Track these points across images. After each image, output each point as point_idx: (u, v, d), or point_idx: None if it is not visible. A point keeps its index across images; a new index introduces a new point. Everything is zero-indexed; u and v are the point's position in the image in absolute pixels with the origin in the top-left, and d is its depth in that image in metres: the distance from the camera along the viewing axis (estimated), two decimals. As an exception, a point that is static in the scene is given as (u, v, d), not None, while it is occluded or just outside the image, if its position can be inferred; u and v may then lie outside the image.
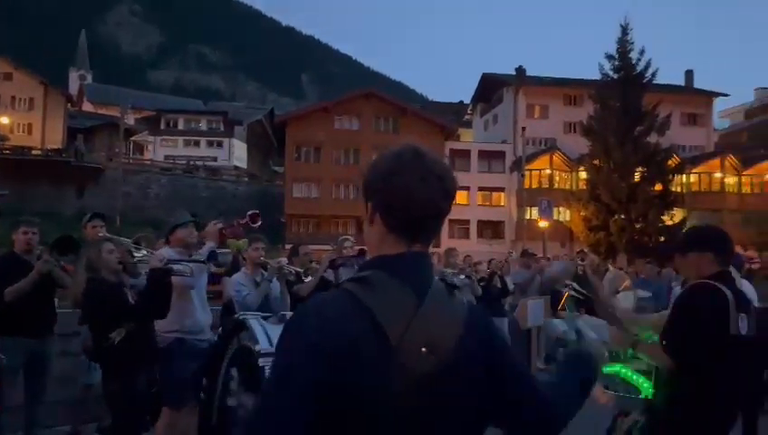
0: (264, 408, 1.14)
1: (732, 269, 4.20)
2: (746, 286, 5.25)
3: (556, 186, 39.24)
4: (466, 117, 55.38)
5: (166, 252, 4.07)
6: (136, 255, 3.89)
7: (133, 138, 53.27)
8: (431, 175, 1.25)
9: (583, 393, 1.41)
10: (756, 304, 5.46)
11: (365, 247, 5.37)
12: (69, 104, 55.76)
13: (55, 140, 49.45)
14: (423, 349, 1.16)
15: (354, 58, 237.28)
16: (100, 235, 4.71)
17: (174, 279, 3.81)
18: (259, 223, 4.77)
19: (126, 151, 48.01)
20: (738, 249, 10.34)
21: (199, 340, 4.20)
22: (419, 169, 1.25)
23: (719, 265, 2.70)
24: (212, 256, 4.10)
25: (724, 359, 2.57)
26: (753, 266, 7.77)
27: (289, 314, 3.16)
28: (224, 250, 5.62)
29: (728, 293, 2.59)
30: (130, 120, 54.39)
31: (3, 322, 4.45)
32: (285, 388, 1.12)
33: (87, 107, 66.81)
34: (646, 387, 3.05)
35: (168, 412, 4.08)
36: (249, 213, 4.73)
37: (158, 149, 55.90)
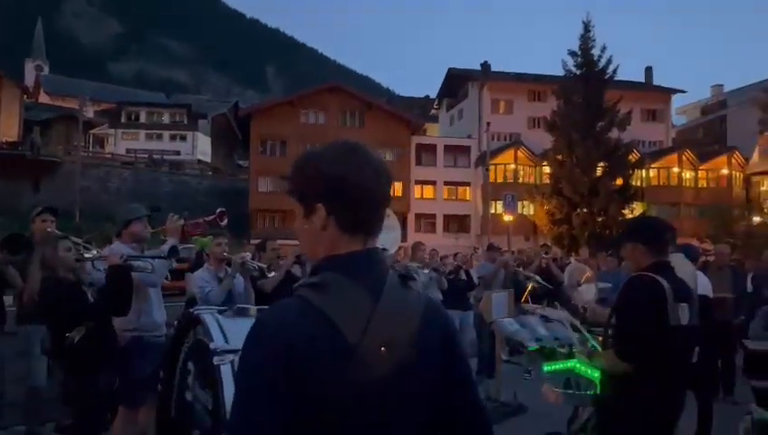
0: (238, 419, 1.13)
1: (685, 260, 4.32)
2: (701, 278, 5.40)
3: (520, 180, 39.75)
4: (432, 111, 55.63)
5: (119, 248, 3.97)
6: (86, 255, 3.78)
7: (93, 131, 51.90)
8: (381, 169, 1.25)
9: None
10: (711, 295, 5.65)
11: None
12: (25, 96, 53.92)
13: (10, 133, 47.74)
14: (382, 348, 1.15)
15: (320, 52, 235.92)
16: (49, 230, 4.59)
17: (137, 277, 3.75)
18: (226, 221, 4.71)
19: (85, 145, 46.78)
20: (694, 242, 10.65)
21: (156, 337, 4.14)
22: (370, 164, 1.23)
23: (653, 256, 2.71)
24: (173, 252, 4.01)
25: (664, 349, 2.59)
26: (708, 259, 8.01)
27: (250, 307, 3.12)
28: (187, 245, 5.52)
29: (665, 283, 2.59)
30: (90, 112, 52.97)
31: None
32: (253, 399, 1.11)
33: (44, 99, 64.72)
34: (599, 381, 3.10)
35: (123, 411, 4.00)
36: (218, 211, 4.67)
37: (120, 143, 54.59)
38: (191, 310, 3.16)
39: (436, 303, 1.36)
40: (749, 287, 7.97)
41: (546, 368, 4.13)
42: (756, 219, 29.93)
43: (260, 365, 1.12)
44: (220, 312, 2.91)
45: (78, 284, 3.72)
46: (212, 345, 2.60)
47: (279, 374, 1.10)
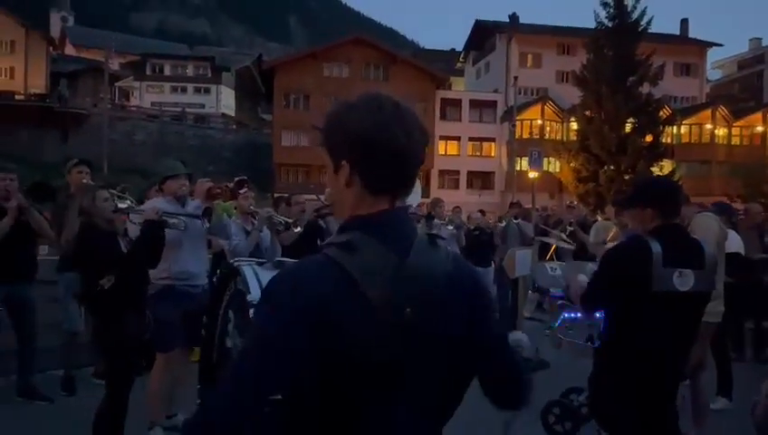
0: (239, 369, 1.13)
1: (711, 221, 4.24)
2: (733, 236, 5.30)
3: (547, 136, 39.10)
4: (458, 65, 54.56)
5: (159, 203, 4.09)
6: (121, 205, 3.88)
7: (118, 83, 52.14)
8: (414, 128, 1.20)
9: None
10: (743, 252, 5.56)
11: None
12: (51, 47, 54.17)
13: (38, 84, 48.28)
14: (407, 309, 1.15)
15: (344, 2, 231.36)
16: (85, 181, 4.70)
17: (168, 234, 3.85)
18: (245, 190, 4.79)
19: (111, 97, 47.05)
20: (726, 200, 10.44)
21: (191, 286, 4.25)
22: (403, 123, 1.18)
23: (661, 219, 2.63)
24: (206, 214, 4.11)
25: (642, 314, 2.54)
26: (738, 218, 7.86)
27: (288, 260, 3.19)
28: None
29: (656, 248, 2.50)
30: (115, 64, 53.09)
31: None
32: (260, 351, 1.11)
33: (69, 50, 65.03)
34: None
35: (160, 356, 4.17)
36: (236, 179, 4.74)
37: (144, 96, 54.86)
38: (232, 261, 3.27)
39: (465, 262, 1.34)
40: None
41: (564, 317, 4.19)
42: (790, 179, 29.12)
43: (275, 324, 1.11)
44: (259, 264, 2.99)
45: (113, 233, 3.82)
46: (249, 297, 2.67)
47: (297, 333, 1.09)
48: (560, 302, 6.78)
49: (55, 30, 73.97)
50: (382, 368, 1.14)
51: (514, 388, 1.39)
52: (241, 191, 4.76)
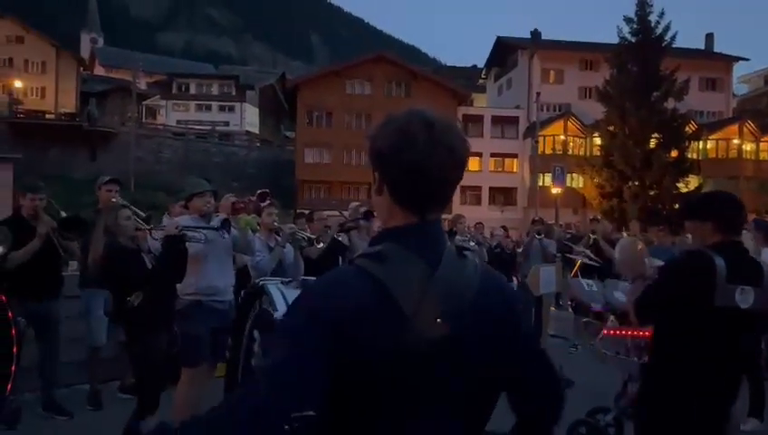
0: (271, 371, 1.12)
1: (748, 235, 4.14)
2: (766, 255, 5.17)
3: (570, 152, 38.80)
4: (480, 81, 54.64)
5: (183, 220, 4.17)
6: (143, 226, 3.98)
7: (145, 102, 53.22)
8: (440, 147, 1.21)
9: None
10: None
11: (371, 210, 5.41)
12: (81, 68, 55.61)
13: (68, 103, 49.54)
14: (438, 319, 1.16)
15: (366, 21, 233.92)
16: (113, 199, 4.80)
17: (189, 246, 3.90)
18: (267, 202, 4.83)
19: (138, 115, 48.03)
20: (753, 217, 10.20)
21: (217, 301, 4.25)
22: (428, 144, 1.19)
23: (722, 234, 2.58)
24: (225, 225, 4.15)
25: (701, 329, 2.49)
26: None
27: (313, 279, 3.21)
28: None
29: (720, 263, 2.46)
30: (142, 84, 54.27)
31: (6, 284, 4.52)
32: (291, 355, 1.11)
33: (99, 71, 66.70)
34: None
35: (186, 371, 4.20)
36: (258, 192, 4.78)
37: (171, 114, 55.85)
38: (256, 281, 3.28)
39: (494, 273, 1.34)
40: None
41: (605, 331, 4.12)
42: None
43: (304, 326, 1.12)
44: (284, 283, 3.00)
45: (137, 251, 3.89)
46: (276, 315, 2.68)
47: (325, 338, 1.10)
48: (585, 319, 6.70)
49: (85, 51, 76.05)
50: (411, 378, 1.14)
51: (545, 403, 1.36)
52: (263, 204, 4.81)
